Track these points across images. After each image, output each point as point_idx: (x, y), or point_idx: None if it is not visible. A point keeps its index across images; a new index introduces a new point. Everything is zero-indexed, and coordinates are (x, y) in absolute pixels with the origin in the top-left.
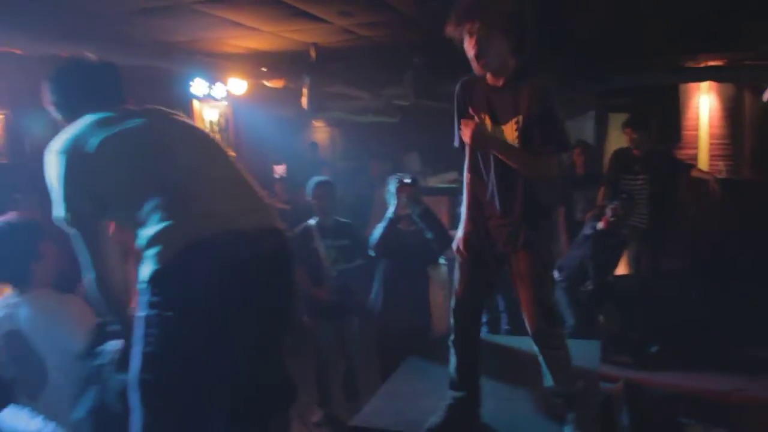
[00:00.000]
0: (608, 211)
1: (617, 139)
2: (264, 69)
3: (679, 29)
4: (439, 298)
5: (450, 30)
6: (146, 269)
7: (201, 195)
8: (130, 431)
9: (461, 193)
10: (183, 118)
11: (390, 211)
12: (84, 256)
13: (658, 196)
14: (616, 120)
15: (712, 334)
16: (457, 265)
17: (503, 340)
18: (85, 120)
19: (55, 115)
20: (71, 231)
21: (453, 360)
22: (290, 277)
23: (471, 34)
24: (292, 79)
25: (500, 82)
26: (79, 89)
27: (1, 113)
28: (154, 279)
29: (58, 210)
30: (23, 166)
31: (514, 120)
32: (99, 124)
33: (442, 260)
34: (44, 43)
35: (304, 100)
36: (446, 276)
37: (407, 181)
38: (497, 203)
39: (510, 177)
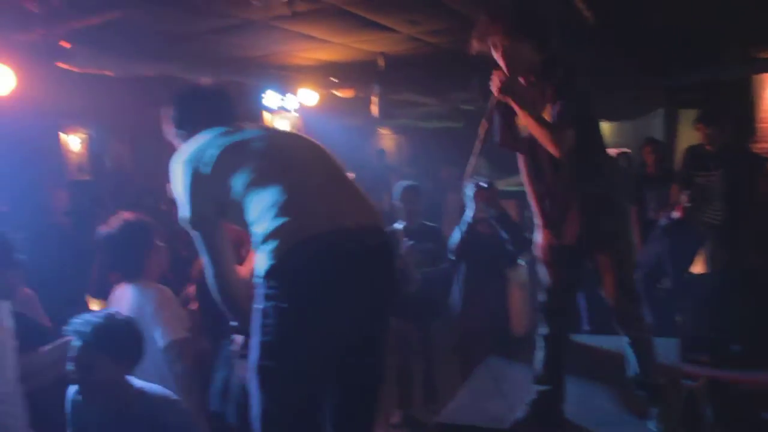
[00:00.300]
0: (683, 197)
1: (688, 137)
2: (334, 79)
3: (751, 19)
4: (518, 299)
5: (476, 46)
6: (262, 264)
7: (313, 194)
8: (250, 415)
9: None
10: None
11: (468, 216)
12: (205, 256)
13: (733, 193)
14: (687, 116)
15: None
16: (542, 265)
17: (584, 339)
18: (206, 134)
19: (174, 132)
20: (194, 233)
21: (539, 354)
22: (394, 272)
23: (496, 48)
24: (361, 88)
25: (531, 78)
26: (198, 109)
27: (84, 133)
28: (270, 273)
29: (184, 213)
30: (103, 182)
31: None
32: (218, 137)
33: (521, 261)
34: (131, 64)
35: (375, 108)
36: (525, 277)
37: (483, 185)
38: (559, 203)
39: (564, 175)
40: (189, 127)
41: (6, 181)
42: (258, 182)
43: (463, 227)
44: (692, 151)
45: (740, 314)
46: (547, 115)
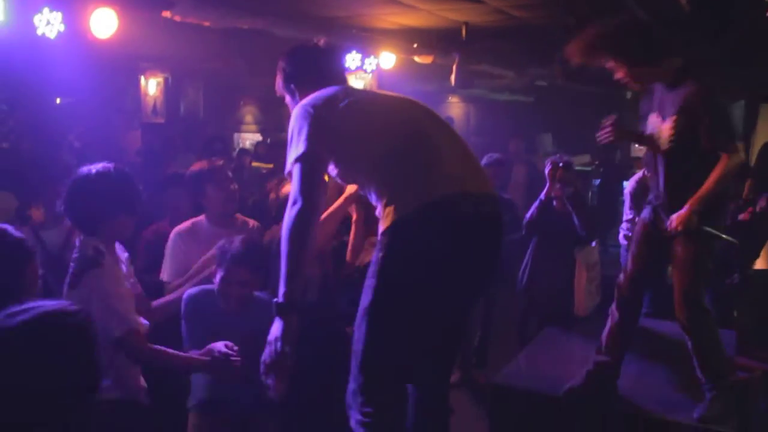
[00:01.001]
0: (763, 201)
1: (766, 131)
2: (415, 45)
3: None
4: (583, 280)
5: (578, 60)
6: (387, 219)
7: (438, 158)
8: (353, 354)
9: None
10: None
11: (543, 193)
12: (298, 193)
13: None
14: (766, 111)
15: None
16: (633, 243)
17: (647, 322)
18: (330, 89)
19: (285, 86)
20: (297, 169)
21: (607, 325)
22: (501, 242)
23: (610, 69)
24: (440, 55)
25: (668, 81)
26: (312, 66)
27: (161, 77)
28: (395, 227)
29: (298, 151)
30: (178, 126)
31: (673, 118)
32: (343, 92)
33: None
34: (224, 16)
35: (453, 77)
36: (595, 258)
37: (560, 164)
38: (665, 193)
39: (677, 172)
40: (301, 82)
41: (88, 120)
42: (384, 138)
43: (537, 203)
44: None
45: None
46: (671, 123)
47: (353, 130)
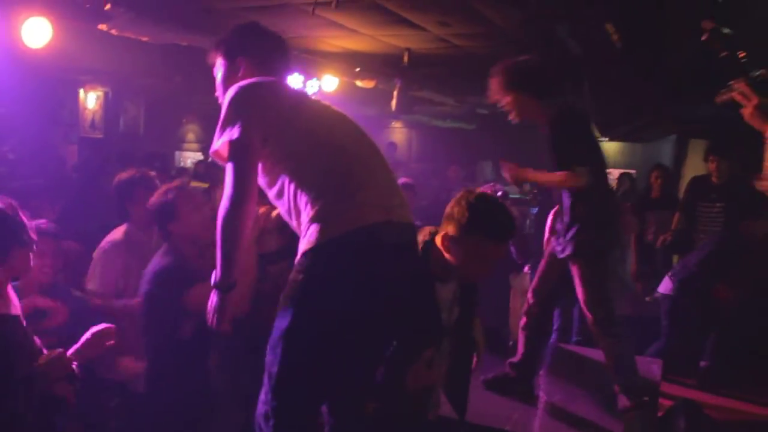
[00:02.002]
0: None
1: (695, 165)
2: (357, 69)
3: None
4: (518, 305)
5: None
6: (311, 239)
7: (369, 175)
8: (267, 376)
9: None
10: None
11: None
12: (232, 187)
13: (734, 225)
14: (696, 146)
15: None
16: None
17: (574, 348)
18: (277, 80)
19: (222, 63)
20: (230, 160)
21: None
22: (417, 267)
23: (499, 100)
24: (382, 80)
25: (544, 121)
26: (258, 45)
27: (102, 90)
28: (319, 250)
29: (231, 136)
30: (117, 142)
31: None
32: (283, 84)
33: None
34: (165, 32)
35: (394, 102)
36: (528, 284)
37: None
38: (561, 218)
39: (565, 202)
40: (252, 58)
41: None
42: (315, 143)
43: None
44: (697, 181)
45: (718, 339)
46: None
47: (297, 130)
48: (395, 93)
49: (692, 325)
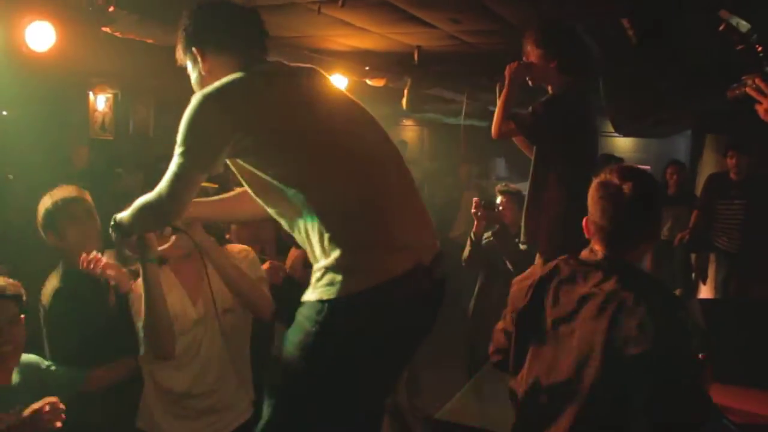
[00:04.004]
0: None
1: (711, 161)
2: (367, 68)
3: None
4: None
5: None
6: (330, 289)
7: (396, 219)
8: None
9: None
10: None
11: (471, 232)
12: (163, 190)
13: (753, 222)
14: (712, 141)
15: None
16: None
17: None
18: (242, 74)
19: (186, 50)
20: (174, 165)
21: None
22: (443, 297)
23: (526, 54)
24: (393, 78)
25: (555, 85)
26: (221, 24)
27: (111, 92)
28: (339, 306)
29: (179, 162)
30: (127, 144)
31: None
32: (257, 76)
33: None
34: (169, 34)
35: (405, 101)
36: None
37: (482, 203)
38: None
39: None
40: (207, 43)
41: (32, 133)
42: (321, 166)
43: (468, 242)
44: (715, 178)
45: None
46: None
47: (298, 141)
48: (406, 91)
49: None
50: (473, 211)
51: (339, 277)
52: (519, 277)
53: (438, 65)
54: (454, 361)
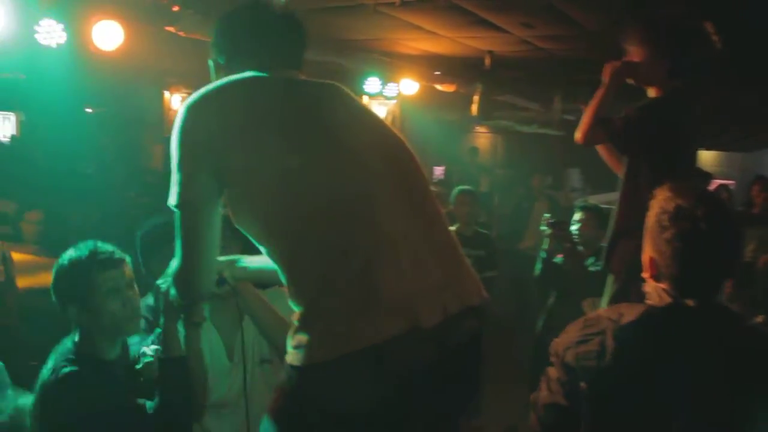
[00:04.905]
0: None
1: None
2: (437, 72)
3: None
4: None
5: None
6: (297, 353)
7: (390, 256)
8: None
9: None
10: (369, 109)
11: (542, 250)
12: (179, 242)
13: None
14: None
15: None
16: None
17: None
18: (239, 76)
19: (214, 64)
20: (175, 212)
21: None
22: (477, 372)
23: (631, 54)
24: (463, 84)
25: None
26: (252, 33)
27: (186, 91)
28: (310, 373)
29: (173, 195)
30: None
31: None
32: (254, 84)
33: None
34: None
35: (475, 107)
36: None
37: (552, 221)
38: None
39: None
40: (232, 56)
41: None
42: (305, 200)
43: (539, 259)
44: None
45: None
46: None
47: (249, 158)
48: (476, 97)
49: None
50: (543, 228)
51: (305, 338)
52: (577, 326)
53: (510, 71)
54: (516, 376)
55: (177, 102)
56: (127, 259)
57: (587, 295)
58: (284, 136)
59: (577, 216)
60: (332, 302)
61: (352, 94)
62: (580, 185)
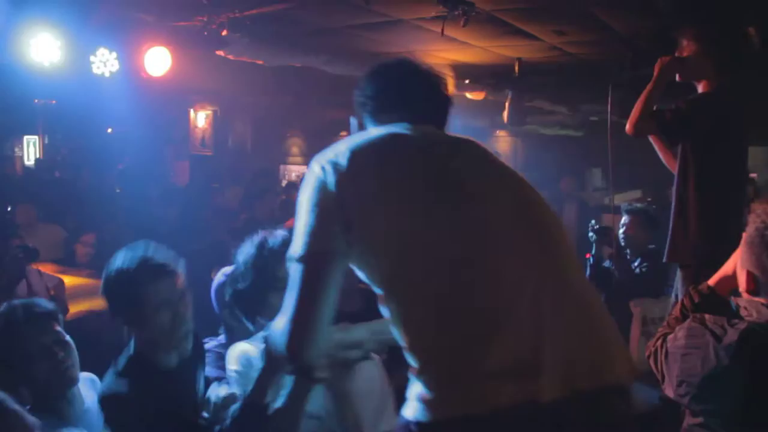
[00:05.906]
0: None
1: None
2: (467, 81)
3: None
4: (637, 333)
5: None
6: (413, 406)
7: (514, 318)
8: None
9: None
10: (507, 167)
11: (590, 255)
12: (291, 298)
13: None
14: None
15: None
16: None
17: None
18: (378, 133)
19: (359, 119)
20: (295, 266)
21: None
22: None
23: (683, 50)
24: (492, 91)
25: (706, 82)
26: (396, 88)
27: (211, 109)
28: (422, 429)
29: (296, 244)
30: (225, 159)
31: None
32: (391, 142)
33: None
34: (278, 54)
35: (506, 114)
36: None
37: (597, 227)
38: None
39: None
40: (375, 110)
41: (137, 149)
42: (428, 263)
43: (587, 264)
44: None
45: None
46: None
47: (380, 228)
48: (507, 104)
49: None
50: (591, 235)
51: (423, 395)
52: (683, 332)
53: (538, 76)
54: None
55: (202, 120)
56: (180, 268)
57: (635, 295)
58: (415, 198)
59: (623, 219)
60: (451, 361)
61: (489, 150)
62: (602, 184)
